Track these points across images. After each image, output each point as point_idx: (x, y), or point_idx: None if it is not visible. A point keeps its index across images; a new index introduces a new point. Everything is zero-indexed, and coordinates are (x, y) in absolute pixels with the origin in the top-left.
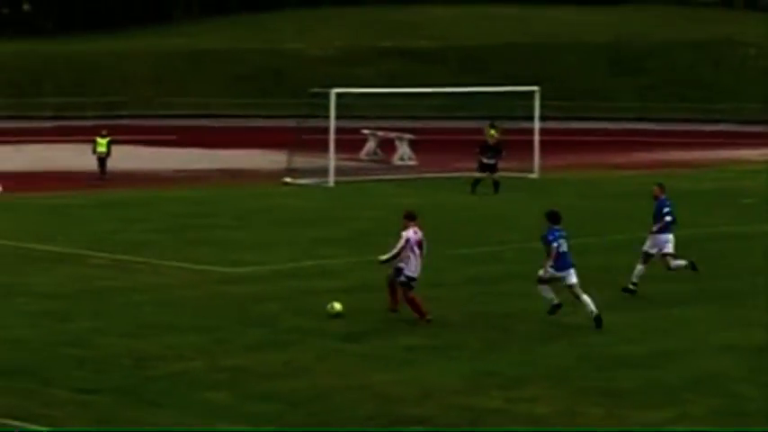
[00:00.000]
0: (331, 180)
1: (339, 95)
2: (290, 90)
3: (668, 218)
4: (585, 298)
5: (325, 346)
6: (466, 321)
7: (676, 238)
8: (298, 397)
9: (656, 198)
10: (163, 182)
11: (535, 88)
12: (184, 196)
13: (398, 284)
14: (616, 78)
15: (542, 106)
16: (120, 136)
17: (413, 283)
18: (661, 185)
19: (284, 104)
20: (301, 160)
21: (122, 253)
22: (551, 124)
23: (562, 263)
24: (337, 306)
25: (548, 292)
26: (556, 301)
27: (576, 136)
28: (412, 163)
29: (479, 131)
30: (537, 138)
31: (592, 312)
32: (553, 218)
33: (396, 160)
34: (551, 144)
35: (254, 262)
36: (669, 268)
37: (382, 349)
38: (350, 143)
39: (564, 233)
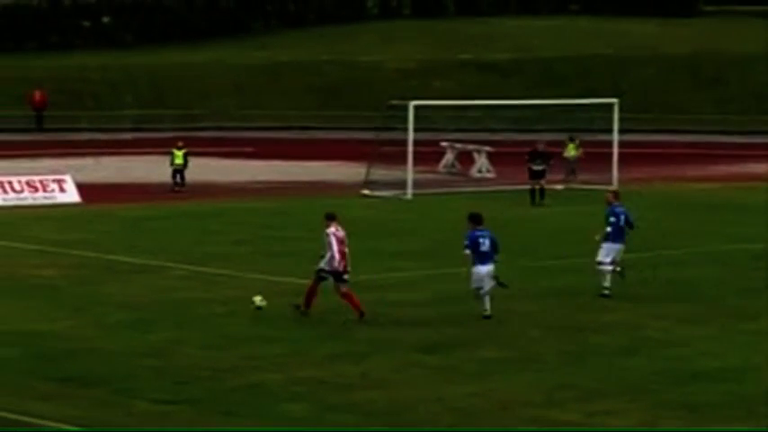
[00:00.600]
0: (409, 192)
1: (417, 108)
2: (369, 102)
3: (608, 228)
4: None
5: (402, 357)
6: (543, 334)
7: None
8: (375, 409)
9: (608, 204)
10: (241, 193)
11: (614, 101)
12: (263, 208)
13: (316, 277)
14: (695, 91)
15: (621, 119)
16: (199, 148)
17: (326, 274)
18: (615, 193)
19: (363, 117)
20: (380, 172)
21: (202, 264)
22: (630, 137)
23: (483, 259)
24: (257, 299)
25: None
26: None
27: (655, 149)
28: (490, 175)
29: (557, 144)
30: (616, 150)
31: (485, 311)
32: (476, 219)
33: (474, 173)
34: (630, 157)
35: None
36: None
37: (459, 361)
38: (428, 155)
39: (487, 233)
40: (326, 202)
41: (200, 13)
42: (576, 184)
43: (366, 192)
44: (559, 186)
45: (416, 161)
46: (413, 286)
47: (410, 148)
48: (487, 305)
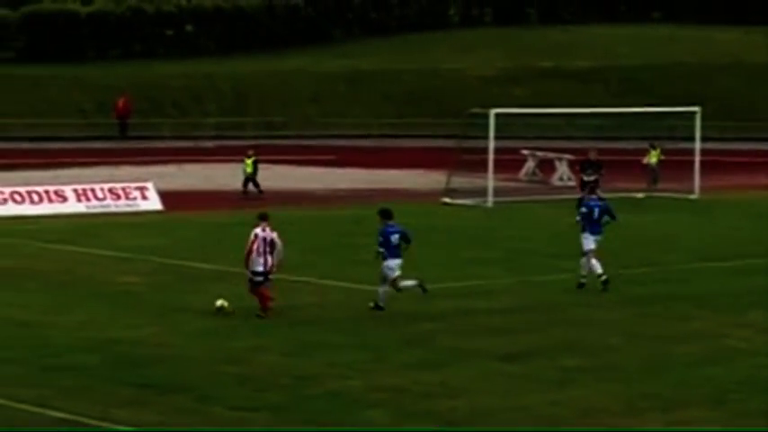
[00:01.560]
0: (490, 200)
1: (498, 116)
2: (449, 110)
3: (577, 217)
4: (409, 283)
5: (482, 366)
6: (625, 342)
7: None
8: (455, 417)
9: (584, 198)
10: (322, 201)
11: (696, 109)
12: (342, 216)
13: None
14: None
15: (703, 127)
16: (280, 156)
17: (257, 278)
18: (592, 188)
19: (443, 125)
20: (460, 180)
21: (283, 272)
22: (712, 145)
23: (394, 253)
24: (218, 302)
25: (407, 283)
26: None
27: (737, 157)
28: (571, 183)
29: (639, 152)
30: (698, 158)
31: (380, 301)
32: (386, 214)
33: (555, 181)
34: (712, 165)
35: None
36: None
37: (540, 370)
38: (509, 163)
39: (398, 227)
40: (406, 210)
41: (281, 21)
42: (656, 192)
43: (447, 200)
44: (640, 194)
45: (497, 169)
46: (493, 294)
47: (491, 156)
48: (382, 299)
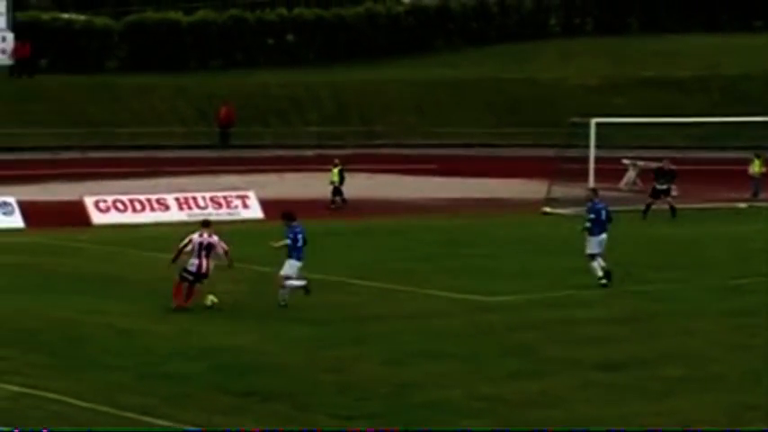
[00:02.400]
0: None
1: (599, 125)
2: (550, 119)
3: (588, 223)
4: (296, 283)
5: (582, 375)
6: (726, 353)
7: None
8: (556, 427)
9: (589, 201)
10: (423, 210)
11: None
12: (444, 225)
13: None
14: None
15: None
16: (381, 165)
17: (187, 275)
18: (595, 190)
19: (544, 134)
20: (561, 190)
21: (383, 281)
22: None
23: (298, 254)
24: (210, 298)
25: (294, 283)
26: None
27: None
28: (673, 193)
29: (742, 162)
30: None
31: (283, 300)
32: (290, 217)
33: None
34: None
35: (512, 291)
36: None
37: (641, 380)
38: (609, 173)
39: (300, 229)
40: (507, 220)
41: (382, 30)
42: (759, 203)
43: (547, 209)
44: (742, 204)
45: (597, 178)
46: (592, 304)
47: (591, 166)
48: (286, 297)
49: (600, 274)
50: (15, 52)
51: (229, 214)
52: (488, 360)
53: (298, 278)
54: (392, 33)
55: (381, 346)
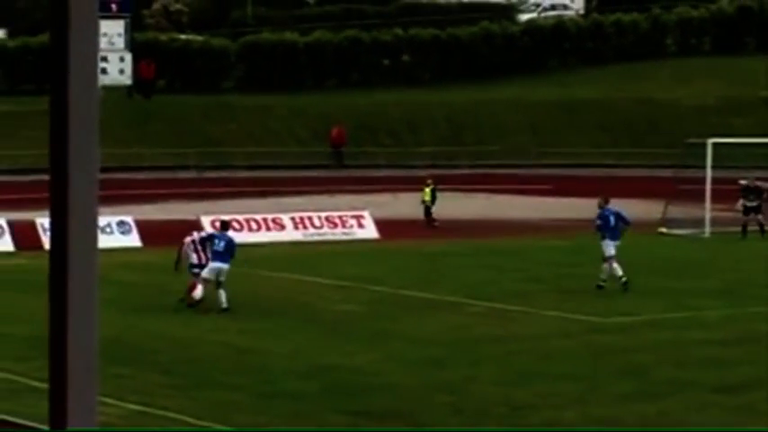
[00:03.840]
0: (707, 231)
1: (716, 145)
2: (665, 140)
3: (598, 224)
4: (222, 293)
5: (699, 397)
6: None
7: None
8: None
9: (600, 208)
10: (537, 230)
11: None
12: (558, 245)
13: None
14: None
15: None
16: (495, 185)
17: (196, 269)
18: (605, 198)
19: (659, 154)
20: (677, 210)
21: (497, 301)
22: None
23: (219, 258)
24: (198, 293)
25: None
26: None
27: None
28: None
29: None
30: None
31: (221, 304)
32: (224, 226)
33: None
34: None
35: (628, 312)
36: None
37: (758, 402)
38: (726, 193)
39: (224, 236)
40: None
41: (497, 50)
42: None
43: (663, 230)
44: None
45: (714, 199)
46: (709, 325)
47: (708, 186)
48: (223, 298)
49: (620, 273)
50: (140, 72)
51: (345, 234)
52: (603, 381)
53: (210, 278)
54: (507, 53)
55: (496, 366)
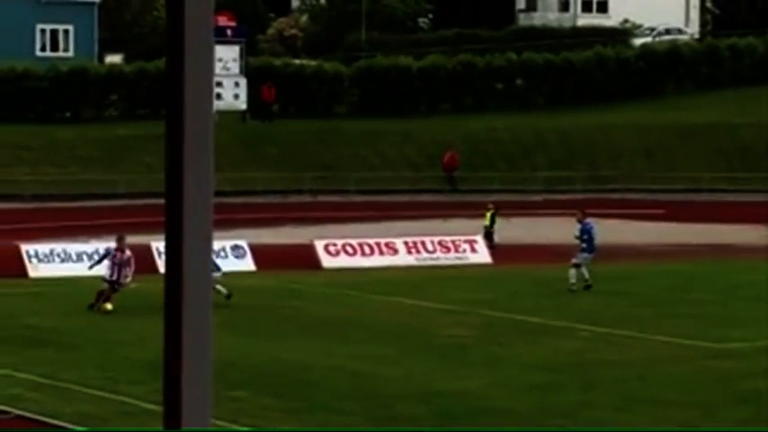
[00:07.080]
0: None
1: None
2: None
3: (583, 244)
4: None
5: None
6: None
7: None
8: None
9: (579, 222)
10: (651, 256)
11: None
12: (671, 270)
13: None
14: None
15: None
16: (609, 210)
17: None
18: (583, 211)
19: None
20: None
21: (609, 326)
22: None
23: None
24: (108, 306)
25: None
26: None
27: None
28: None
29: None
30: None
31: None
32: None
33: None
34: None
35: (742, 338)
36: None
37: None
38: None
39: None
40: (737, 266)
41: (611, 74)
42: None
43: None
44: None
45: None
46: None
47: None
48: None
49: (573, 281)
50: (262, 96)
51: (457, 258)
52: (718, 408)
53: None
54: (621, 77)
55: (610, 392)
